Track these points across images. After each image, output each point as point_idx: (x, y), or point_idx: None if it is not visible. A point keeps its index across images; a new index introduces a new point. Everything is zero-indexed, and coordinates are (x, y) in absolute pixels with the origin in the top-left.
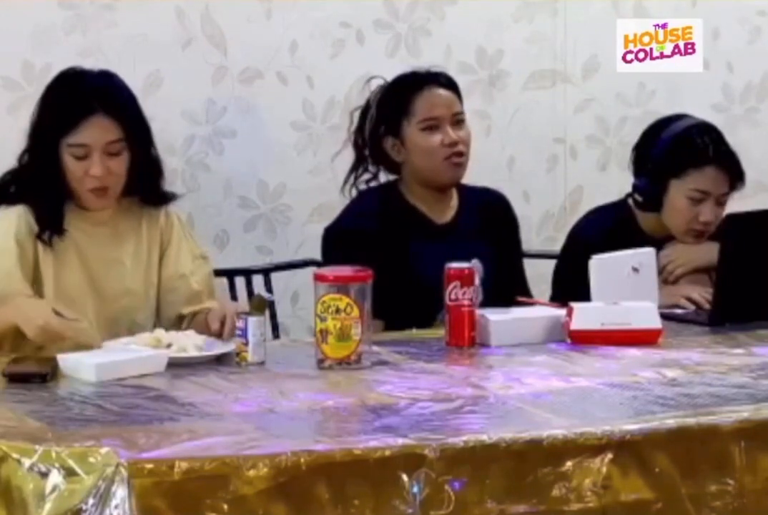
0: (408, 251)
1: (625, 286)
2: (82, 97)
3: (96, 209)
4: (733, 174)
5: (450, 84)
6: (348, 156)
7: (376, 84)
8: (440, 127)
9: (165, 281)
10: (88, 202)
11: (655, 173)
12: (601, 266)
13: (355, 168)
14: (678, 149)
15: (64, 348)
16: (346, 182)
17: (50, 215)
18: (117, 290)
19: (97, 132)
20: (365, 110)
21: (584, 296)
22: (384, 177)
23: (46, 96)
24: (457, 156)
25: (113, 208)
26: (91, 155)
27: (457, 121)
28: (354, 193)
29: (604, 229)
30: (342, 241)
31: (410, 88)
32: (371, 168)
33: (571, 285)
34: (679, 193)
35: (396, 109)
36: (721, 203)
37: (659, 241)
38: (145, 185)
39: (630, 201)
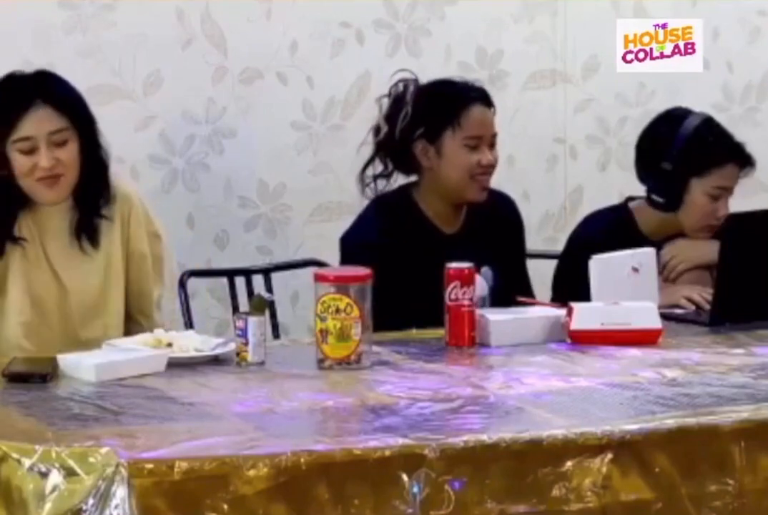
0: (419, 264)
1: (625, 286)
2: (19, 92)
3: (50, 202)
4: (745, 164)
5: (491, 103)
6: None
7: (402, 76)
8: (479, 147)
9: (130, 260)
10: (41, 195)
11: (674, 173)
12: (601, 266)
13: (372, 159)
14: (700, 148)
15: None
16: (364, 170)
17: (3, 222)
18: (82, 283)
19: (38, 123)
20: (398, 103)
21: (585, 297)
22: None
23: None
24: (487, 178)
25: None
26: (38, 147)
27: (493, 143)
28: (368, 192)
29: (604, 230)
30: (355, 252)
31: (460, 100)
32: (389, 164)
33: (572, 287)
34: (699, 191)
35: (441, 117)
36: (731, 194)
37: (659, 243)
38: (95, 178)
39: (630, 204)
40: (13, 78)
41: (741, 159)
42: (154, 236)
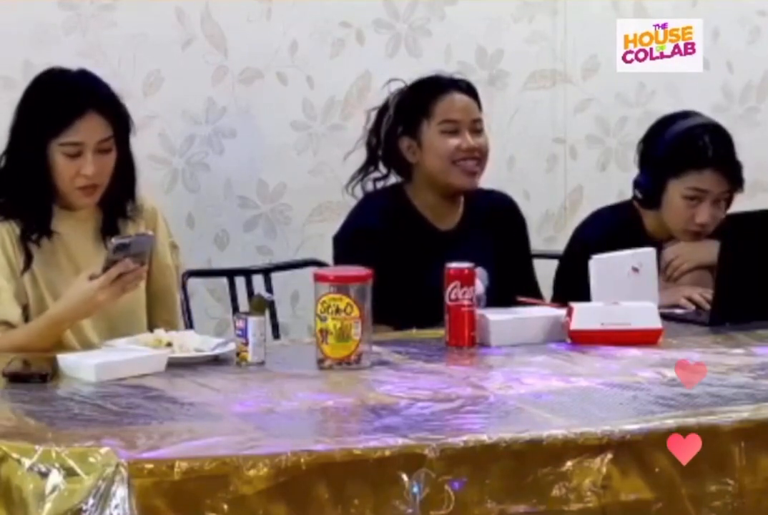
0: (411, 257)
1: (625, 286)
2: (73, 95)
3: (82, 207)
4: (732, 177)
5: (471, 91)
6: (358, 155)
7: (395, 86)
8: (459, 131)
9: (156, 272)
10: (76, 200)
11: (655, 170)
12: (601, 266)
13: (364, 168)
14: (678, 149)
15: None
16: (352, 179)
17: (38, 218)
18: None
19: (90, 130)
20: (383, 111)
21: (586, 297)
22: (393, 179)
23: (29, 98)
24: (473, 163)
25: (95, 205)
26: (84, 153)
27: (477, 129)
28: (358, 191)
29: (607, 230)
30: (350, 242)
31: (432, 90)
32: (382, 169)
33: (573, 286)
34: (676, 192)
35: (415, 110)
36: (718, 203)
37: (662, 243)
38: (124, 185)
39: (636, 203)
40: (59, 76)
41: (719, 166)
42: (173, 246)
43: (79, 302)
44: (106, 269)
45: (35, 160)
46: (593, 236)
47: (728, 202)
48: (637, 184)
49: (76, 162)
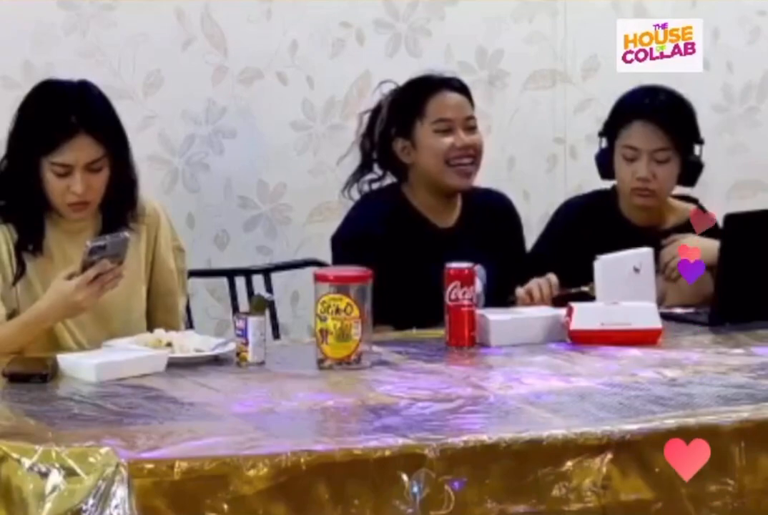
0: (412, 257)
1: (626, 286)
2: (64, 116)
3: (74, 219)
4: (668, 128)
5: (463, 89)
6: (352, 158)
7: (387, 88)
8: (453, 130)
9: (157, 275)
10: (67, 215)
11: (606, 139)
12: (606, 266)
13: (359, 171)
14: (614, 110)
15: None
16: (347, 184)
17: (31, 230)
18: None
19: (79, 152)
20: (376, 113)
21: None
22: (389, 179)
23: (25, 110)
24: (468, 162)
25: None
26: (73, 172)
27: (470, 126)
28: (355, 194)
29: (581, 213)
30: (350, 247)
31: (424, 90)
32: (377, 171)
33: (541, 259)
34: (618, 156)
35: (409, 111)
36: (659, 160)
37: (643, 228)
38: (123, 196)
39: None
40: (55, 91)
41: (647, 118)
42: (178, 250)
43: (57, 301)
44: (83, 270)
45: (28, 173)
46: (568, 219)
47: (690, 161)
48: (596, 157)
49: (66, 180)
